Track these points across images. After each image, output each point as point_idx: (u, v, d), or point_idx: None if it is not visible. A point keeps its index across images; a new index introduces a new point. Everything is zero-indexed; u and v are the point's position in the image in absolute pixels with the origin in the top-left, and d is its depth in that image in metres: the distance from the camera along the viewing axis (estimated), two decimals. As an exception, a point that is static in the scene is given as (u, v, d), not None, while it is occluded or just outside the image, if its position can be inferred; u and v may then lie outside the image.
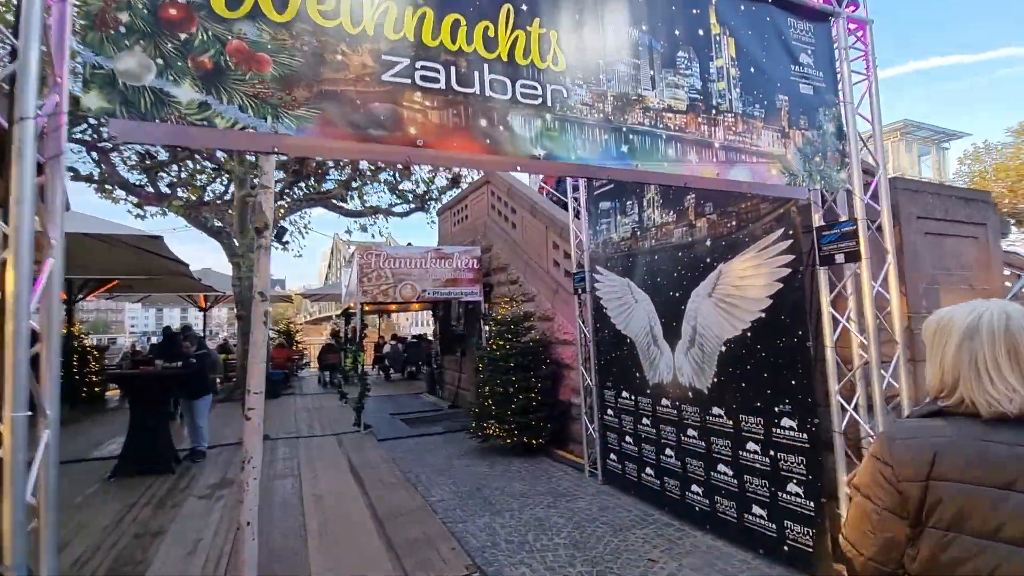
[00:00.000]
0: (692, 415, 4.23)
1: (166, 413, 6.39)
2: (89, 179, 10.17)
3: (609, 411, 5.32)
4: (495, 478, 5.75)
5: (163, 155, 10.35)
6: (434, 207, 14.89)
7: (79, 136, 10.72)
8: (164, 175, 12.04)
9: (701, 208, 4.14)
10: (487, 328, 9.09)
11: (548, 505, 4.87)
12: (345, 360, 11.96)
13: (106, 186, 10.96)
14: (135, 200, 11.03)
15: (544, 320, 7.34)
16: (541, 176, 9.89)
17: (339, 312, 11.32)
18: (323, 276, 60.83)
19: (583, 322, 5.80)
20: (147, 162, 10.02)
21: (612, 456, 5.29)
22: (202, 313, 15.26)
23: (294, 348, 16.21)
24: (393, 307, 12.69)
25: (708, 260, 4.06)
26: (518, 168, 2.38)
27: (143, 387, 6.14)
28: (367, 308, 10.87)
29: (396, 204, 15.21)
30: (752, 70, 2.82)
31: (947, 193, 3.81)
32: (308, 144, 2.12)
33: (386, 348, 15.54)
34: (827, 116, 3.04)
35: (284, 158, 10.60)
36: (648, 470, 4.75)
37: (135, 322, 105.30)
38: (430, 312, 15.16)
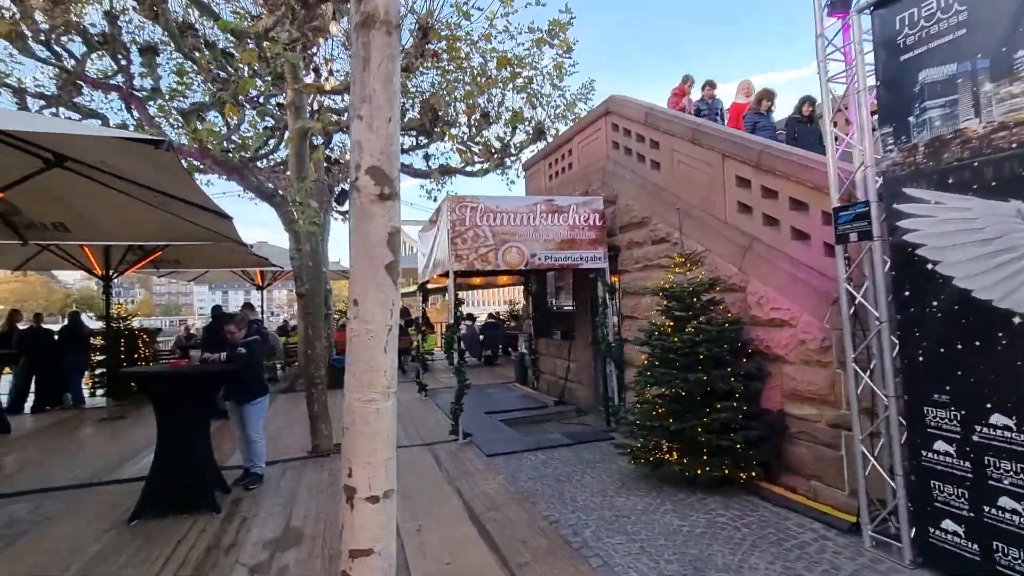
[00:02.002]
0: None
1: (205, 424, 4.55)
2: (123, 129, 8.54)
3: (940, 445, 2.99)
4: (704, 541, 3.56)
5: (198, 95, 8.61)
6: (515, 163, 12.71)
7: (113, 83, 9.12)
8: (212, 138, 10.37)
9: None
10: (616, 304, 6.87)
11: (861, 623, 2.64)
12: (424, 344, 10.06)
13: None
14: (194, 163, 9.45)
15: (729, 291, 5.02)
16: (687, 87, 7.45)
17: (415, 287, 9.38)
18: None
19: (855, 290, 3.46)
20: (185, 107, 8.27)
21: (947, 523, 2.97)
22: (260, 292, 13.79)
23: (358, 330, 14.59)
24: (477, 280, 10.72)
25: None
26: None
27: (172, 391, 4.31)
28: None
29: (470, 163, 13.14)
30: None
31: None
32: None
33: (461, 329, 13.63)
34: None
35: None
36: (1082, 572, 2.42)
37: (203, 304, 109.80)
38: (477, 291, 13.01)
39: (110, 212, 5.69)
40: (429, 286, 9.54)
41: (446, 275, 7.08)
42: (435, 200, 14.52)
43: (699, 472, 4.29)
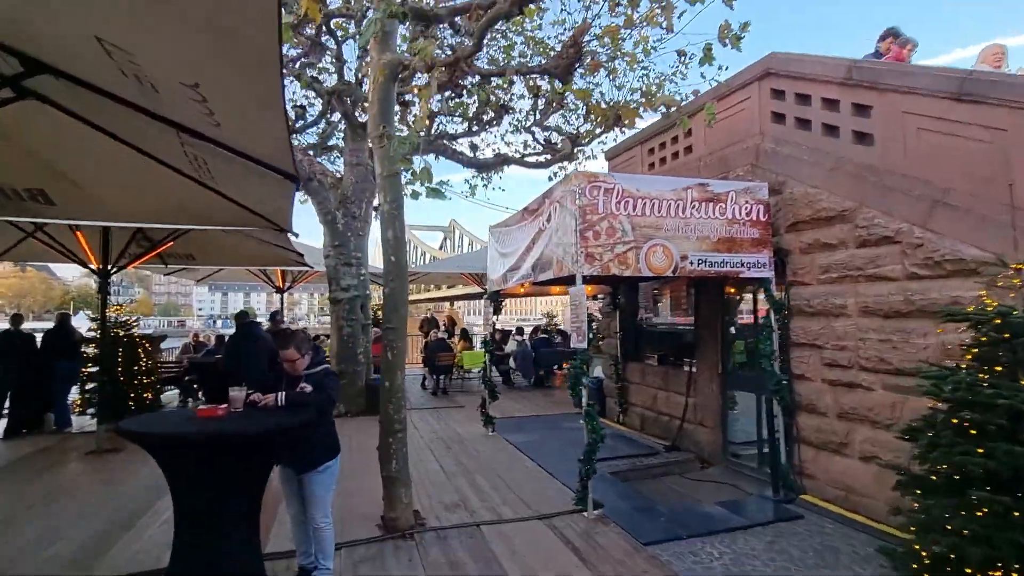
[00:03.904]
0: None
1: (253, 511, 2.79)
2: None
3: None
4: None
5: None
6: (584, 154, 11.01)
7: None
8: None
9: None
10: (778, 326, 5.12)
11: None
12: (490, 364, 8.16)
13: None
14: None
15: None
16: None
17: (484, 294, 7.59)
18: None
19: None
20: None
21: None
22: (280, 296, 12.03)
23: (390, 342, 12.80)
24: (521, 290, 8.76)
25: None
26: None
27: (207, 464, 2.53)
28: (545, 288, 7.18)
29: (530, 152, 11.45)
30: None
31: None
32: None
33: (510, 345, 11.86)
34: None
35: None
36: None
37: (202, 306, 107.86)
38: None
39: (112, 178, 3.96)
40: (501, 296, 7.78)
41: (559, 281, 5.35)
42: (472, 197, 12.72)
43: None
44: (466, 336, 12.76)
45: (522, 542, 3.98)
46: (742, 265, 5.09)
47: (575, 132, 10.71)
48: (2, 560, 3.69)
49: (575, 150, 10.76)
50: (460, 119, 11.33)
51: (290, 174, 3.11)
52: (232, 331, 7.39)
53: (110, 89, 2.51)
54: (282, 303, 12.24)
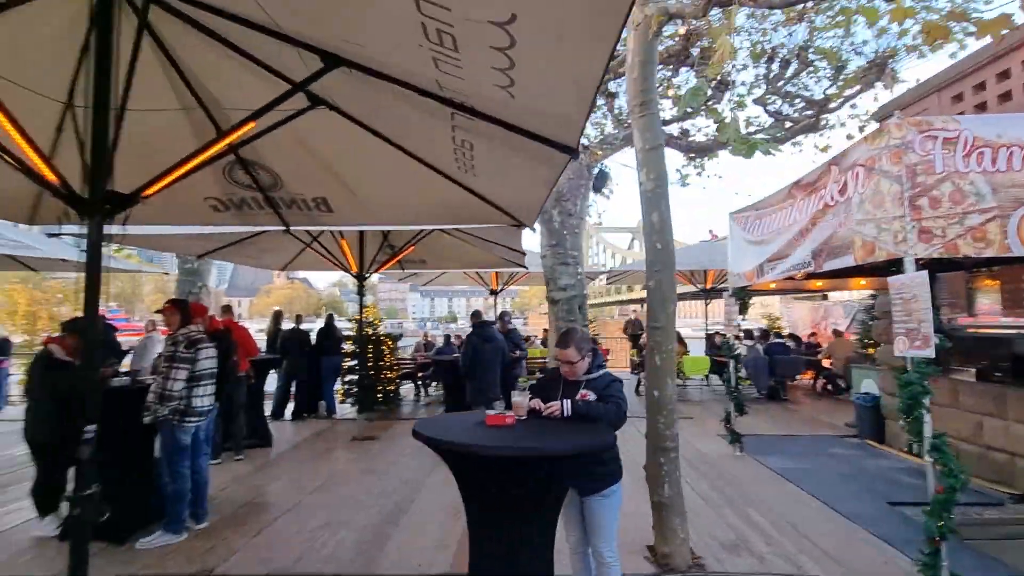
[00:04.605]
0: None
1: (550, 527, 2.41)
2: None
3: None
4: None
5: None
6: (831, 121, 9.16)
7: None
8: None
9: None
10: None
11: None
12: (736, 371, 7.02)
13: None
14: None
15: None
16: None
17: (737, 290, 6.48)
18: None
19: None
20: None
21: None
22: (494, 297, 12.47)
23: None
24: (864, 283, 7.22)
25: None
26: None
27: (512, 482, 2.20)
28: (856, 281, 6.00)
29: (756, 130, 9.97)
30: None
31: None
32: None
33: (740, 350, 10.45)
34: None
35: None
36: None
37: (415, 310, 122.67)
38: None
39: (380, 182, 4.03)
40: (747, 290, 6.66)
41: (861, 271, 4.16)
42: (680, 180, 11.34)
43: None
44: (681, 340, 11.66)
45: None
46: None
47: (822, 96, 8.94)
48: (300, 544, 3.97)
49: (819, 118, 8.99)
50: (672, 103, 10.40)
51: (569, 147, 2.68)
52: (448, 332, 7.62)
53: (401, 72, 2.32)
54: (495, 304, 12.66)
